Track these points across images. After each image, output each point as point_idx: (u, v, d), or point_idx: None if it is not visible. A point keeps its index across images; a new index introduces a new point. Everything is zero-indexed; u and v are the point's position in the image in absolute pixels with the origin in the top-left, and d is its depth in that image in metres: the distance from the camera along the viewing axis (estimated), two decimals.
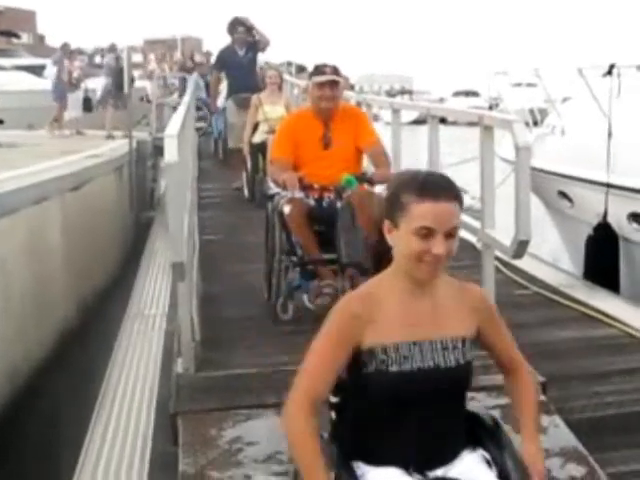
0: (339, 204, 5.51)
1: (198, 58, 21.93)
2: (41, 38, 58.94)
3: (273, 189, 8.31)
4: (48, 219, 8.93)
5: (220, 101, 13.33)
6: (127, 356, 5.82)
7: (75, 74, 18.33)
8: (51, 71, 18.21)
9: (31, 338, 7.88)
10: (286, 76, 14.62)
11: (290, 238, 5.63)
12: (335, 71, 5.72)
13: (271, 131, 9.62)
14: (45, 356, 7.98)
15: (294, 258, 5.64)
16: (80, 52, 19.85)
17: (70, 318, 8.92)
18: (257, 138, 10.41)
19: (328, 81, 5.65)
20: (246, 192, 10.99)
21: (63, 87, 17.84)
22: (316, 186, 5.58)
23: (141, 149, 14.69)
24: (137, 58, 25.65)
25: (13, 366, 7.38)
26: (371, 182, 5.61)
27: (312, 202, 5.65)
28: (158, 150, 14.30)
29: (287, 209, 5.52)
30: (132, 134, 13.78)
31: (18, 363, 7.48)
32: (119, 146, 14.04)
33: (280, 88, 10.89)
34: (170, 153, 4.35)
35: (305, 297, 5.58)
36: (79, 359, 7.70)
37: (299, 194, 5.55)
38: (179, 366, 4.80)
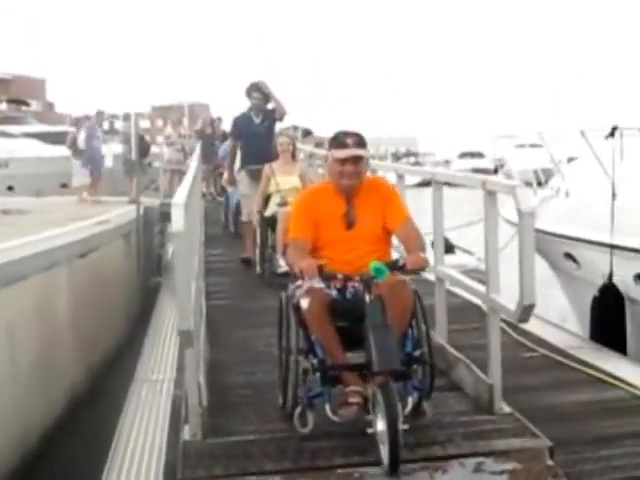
0: (367, 297, 4.57)
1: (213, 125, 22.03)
2: (50, 105, 59.62)
3: (283, 267, 8.19)
4: (56, 286, 8.98)
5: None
6: (135, 422, 5.81)
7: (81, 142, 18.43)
8: (82, 137, 18.43)
9: (39, 404, 7.88)
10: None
11: (309, 336, 4.79)
12: (359, 143, 4.95)
13: (283, 203, 9.46)
14: (53, 422, 7.97)
15: (314, 360, 4.72)
16: (87, 118, 20.10)
17: (78, 384, 8.92)
18: (269, 211, 9.92)
19: (351, 157, 4.92)
20: (258, 268, 10.20)
21: (94, 153, 18.04)
22: (340, 276, 4.71)
23: (148, 215, 14.79)
24: (145, 124, 26.00)
25: (22, 432, 7.38)
26: (404, 271, 4.73)
27: (334, 293, 4.86)
28: (165, 216, 14.38)
29: (305, 303, 4.75)
30: (140, 200, 13.88)
31: (26, 429, 7.48)
32: (126, 212, 14.14)
33: (294, 157, 10.39)
34: (177, 222, 4.40)
35: (327, 407, 4.66)
36: (87, 424, 7.70)
37: (319, 284, 4.76)
38: (186, 433, 4.80)
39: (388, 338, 4.42)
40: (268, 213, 9.92)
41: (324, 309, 4.72)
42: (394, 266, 4.69)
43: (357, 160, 4.93)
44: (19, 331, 7.66)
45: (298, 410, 4.78)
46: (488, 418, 4.92)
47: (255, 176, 10.55)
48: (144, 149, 18.90)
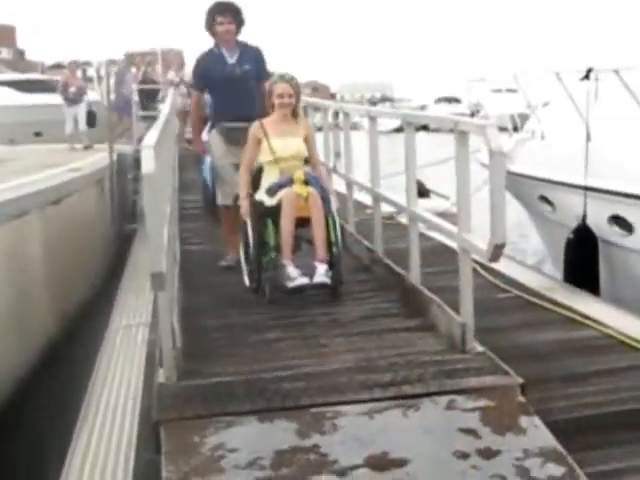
0: None
1: None
2: (21, 53, 58.91)
3: (295, 279, 6.14)
4: (29, 233, 8.93)
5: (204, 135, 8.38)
6: (110, 367, 5.83)
7: (73, 89, 18.15)
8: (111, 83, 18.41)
9: (13, 352, 7.87)
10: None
11: None
12: None
13: (287, 182, 6.49)
14: (28, 370, 7.97)
15: None
16: (62, 66, 19.80)
17: (53, 331, 8.92)
18: (262, 192, 6.63)
19: None
20: (246, 279, 6.94)
21: (121, 99, 17.93)
22: None
23: (122, 161, 14.70)
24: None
25: None
26: None
27: None
28: (139, 162, 14.25)
29: None
30: (113, 147, 13.77)
31: (1, 378, 7.48)
32: (99, 159, 14.04)
33: (294, 113, 6.88)
34: (147, 164, 4.38)
35: None
36: (62, 372, 7.71)
37: None
38: (161, 376, 4.81)
39: None
40: (267, 200, 6.57)
41: None
42: None
43: None
44: None
45: None
46: (461, 357, 4.95)
47: (232, 139, 7.46)
48: (153, 95, 18.91)
